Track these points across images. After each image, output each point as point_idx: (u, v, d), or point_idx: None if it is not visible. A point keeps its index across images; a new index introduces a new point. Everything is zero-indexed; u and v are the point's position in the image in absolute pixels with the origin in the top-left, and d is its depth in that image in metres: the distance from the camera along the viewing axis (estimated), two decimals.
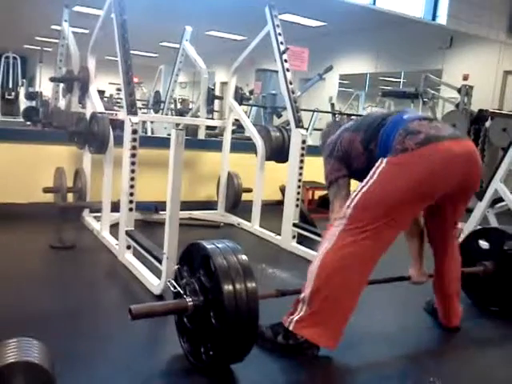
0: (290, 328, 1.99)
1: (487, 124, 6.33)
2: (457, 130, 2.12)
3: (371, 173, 1.97)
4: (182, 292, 1.86)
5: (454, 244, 2.35)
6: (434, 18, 7.92)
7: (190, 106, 8.86)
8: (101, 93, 5.46)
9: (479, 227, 3.48)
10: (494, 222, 4.54)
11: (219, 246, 1.83)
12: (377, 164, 1.97)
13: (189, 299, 1.80)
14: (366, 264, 1.98)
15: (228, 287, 1.69)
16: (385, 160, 1.94)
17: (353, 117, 6.74)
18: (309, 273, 2.00)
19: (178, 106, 9.27)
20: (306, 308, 1.96)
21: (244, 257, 1.82)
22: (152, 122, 7.45)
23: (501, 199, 3.98)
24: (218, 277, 1.72)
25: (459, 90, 6.70)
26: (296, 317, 1.98)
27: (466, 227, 4.22)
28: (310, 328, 1.96)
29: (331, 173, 2.19)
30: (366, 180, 1.98)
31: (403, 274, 2.45)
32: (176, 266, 2.02)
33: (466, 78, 7.81)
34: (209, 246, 1.82)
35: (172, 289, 1.92)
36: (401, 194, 1.92)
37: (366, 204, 1.95)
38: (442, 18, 7.78)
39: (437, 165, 1.90)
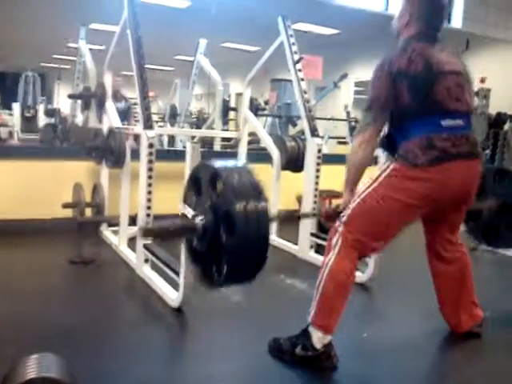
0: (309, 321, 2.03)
1: (506, 127, 6.25)
2: (476, 148, 2.10)
3: (377, 175, 2.04)
4: (190, 215, 1.79)
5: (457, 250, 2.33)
6: (448, 21, 7.86)
7: (206, 115, 8.89)
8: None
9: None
10: None
11: (228, 164, 1.76)
12: (384, 167, 2.05)
13: (198, 219, 1.74)
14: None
15: (238, 204, 1.62)
16: (392, 166, 2.02)
17: None
18: (316, 285, 2.06)
19: (194, 115, 9.30)
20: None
21: (253, 175, 1.72)
22: (168, 136, 7.51)
23: None
24: (227, 194, 1.65)
25: (477, 93, 6.63)
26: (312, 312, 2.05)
27: None
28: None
29: (381, 96, 2.01)
30: (370, 182, 2.05)
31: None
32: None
33: (483, 80, 7.73)
34: (217, 164, 1.74)
35: (182, 212, 1.85)
36: (393, 214, 2.02)
37: (362, 213, 2.03)
38: (457, 21, 7.72)
39: (435, 189, 1.98)
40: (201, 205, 1.76)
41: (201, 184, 1.80)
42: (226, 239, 1.67)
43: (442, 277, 2.34)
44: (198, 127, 7.51)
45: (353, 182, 2.08)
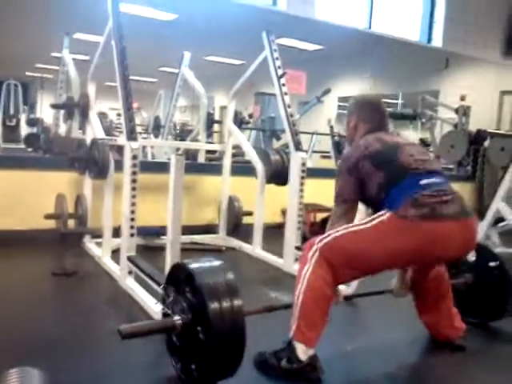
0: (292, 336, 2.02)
1: (486, 144, 6.36)
2: (466, 206, 2.10)
3: (372, 217, 2.04)
4: (169, 311, 1.89)
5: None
6: (429, 40, 8.05)
7: (189, 128, 8.90)
8: (103, 115, 5.40)
9: None
10: (497, 242, 4.54)
11: (203, 264, 1.87)
12: (381, 212, 2.02)
13: (177, 317, 1.82)
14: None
15: (213, 304, 1.72)
16: (387, 214, 1.99)
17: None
18: (294, 301, 2.04)
19: (178, 128, 9.30)
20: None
21: (229, 274, 1.84)
22: (152, 147, 7.49)
23: (503, 218, 3.98)
24: (202, 295, 1.74)
25: (456, 111, 6.75)
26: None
27: None
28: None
29: (345, 191, 2.16)
30: (365, 220, 2.05)
31: None
32: (162, 287, 2.05)
33: (463, 98, 7.89)
34: (193, 265, 1.85)
35: (160, 309, 1.94)
36: (382, 257, 2.01)
37: (347, 246, 2.04)
38: (438, 41, 7.90)
39: (426, 244, 1.97)
40: (179, 303, 1.86)
41: (178, 284, 1.90)
42: (204, 338, 1.75)
43: (423, 290, 2.38)
44: (183, 139, 7.51)
45: None
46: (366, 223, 2.03)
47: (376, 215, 2.03)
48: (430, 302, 2.38)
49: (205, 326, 1.74)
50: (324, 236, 2.08)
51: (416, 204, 1.96)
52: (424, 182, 2.03)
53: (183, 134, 8.47)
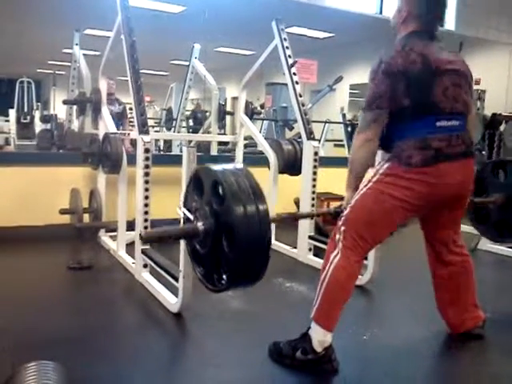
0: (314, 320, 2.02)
1: (502, 128, 6.26)
2: (471, 147, 2.12)
3: (372, 174, 2.06)
4: (191, 217, 1.77)
5: (459, 252, 2.31)
6: (441, 24, 7.90)
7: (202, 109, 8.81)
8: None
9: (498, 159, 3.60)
10: None
11: (228, 168, 1.73)
12: (378, 166, 2.06)
13: (199, 223, 1.72)
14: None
15: (238, 209, 1.59)
16: (386, 166, 2.03)
17: None
18: (319, 281, 2.06)
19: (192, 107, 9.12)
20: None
21: (253, 179, 1.70)
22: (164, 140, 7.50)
23: None
24: (227, 199, 1.63)
25: None
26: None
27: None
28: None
29: (378, 95, 1.98)
30: (368, 179, 2.06)
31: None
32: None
33: (477, 82, 7.75)
34: (217, 168, 1.72)
35: (182, 214, 1.83)
36: (388, 212, 2.02)
37: (359, 211, 2.04)
38: (450, 24, 7.75)
39: (429, 189, 1.99)
40: (201, 209, 1.74)
41: (201, 188, 1.78)
42: (228, 244, 1.65)
43: (443, 279, 2.32)
44: (195, 131, 7.51)
45: (355, 180, 2.08)
46: (370, 181, 2.05)
47: (378, 168, 2.05)
48: (454, 292, 2.31)
49: (228, 233, 1.63)
50: (342, 215, 2.08)
51: (422, 146, 1.97)
52: (440, 123, 2.01)
53: (197, 121, 8.41)
